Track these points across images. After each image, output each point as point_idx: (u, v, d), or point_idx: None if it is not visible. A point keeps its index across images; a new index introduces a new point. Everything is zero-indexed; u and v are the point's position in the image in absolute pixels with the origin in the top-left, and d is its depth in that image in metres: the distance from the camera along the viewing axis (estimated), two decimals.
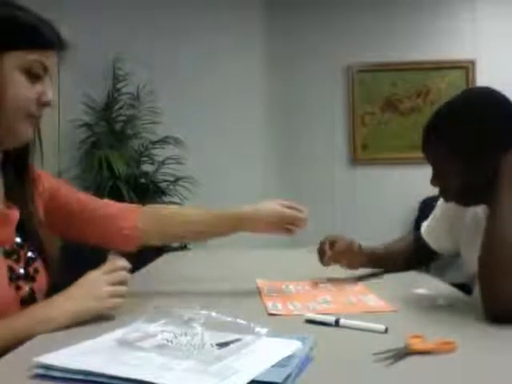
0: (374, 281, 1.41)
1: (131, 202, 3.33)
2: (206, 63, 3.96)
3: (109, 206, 1.30)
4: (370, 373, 0.77)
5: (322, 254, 1.43)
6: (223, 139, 3.95)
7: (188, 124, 3.81)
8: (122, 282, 1.04)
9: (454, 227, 1.41)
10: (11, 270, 1.02)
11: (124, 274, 1.05)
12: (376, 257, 1.51)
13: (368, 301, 1.18)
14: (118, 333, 0.86)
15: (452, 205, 1.38)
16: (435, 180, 1.25)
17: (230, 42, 4.00)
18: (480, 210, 1.29)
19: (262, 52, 4.14)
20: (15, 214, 1.05)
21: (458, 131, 1.16)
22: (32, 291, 1.05)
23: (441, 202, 1.48)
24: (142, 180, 3.68)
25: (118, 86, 3.74)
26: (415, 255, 1.52)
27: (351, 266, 1.47)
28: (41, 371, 0.74)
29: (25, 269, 1.06)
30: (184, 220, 1.32)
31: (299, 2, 4.20)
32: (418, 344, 0.84)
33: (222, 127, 3.95)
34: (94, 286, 1.01)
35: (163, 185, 3.69)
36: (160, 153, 3.72)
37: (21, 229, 1.07)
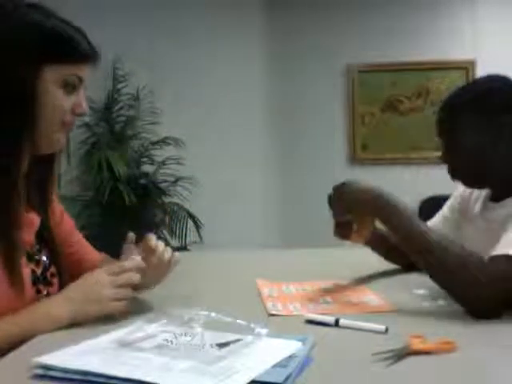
0: (374, 281, 1.41)
1: (131, 202, 3.34)
2: (205, 63, 3.96)
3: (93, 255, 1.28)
4: (370, 373, 0.77)
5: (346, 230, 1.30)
6: (223, 139, 3.95)
7: (188, 124, 3.81)
8: (128, 285, 1.00)
9: (461, 226, 1.41)
10: (33, 273, 1.04)
11: (132, 276, 1.01)
12: (385, 240, 1.44)
13: (368, 301, 1.18)
14: (118, 333, 0.86)
15: (460, 202, 1.39)
16: (445, 155, 1.27)
17: (229, 42, 4.00)
18: (488, 211, 1.30)
19: (261, 52, 4.14)
20: (36, 219, 1.07)
21: (471, 107, 1.20)
22: (48, 295, 1.06)
23: (449, 201, 1.48)
24: (142, 180, 3.68)
25: (118, 86, 3.74)
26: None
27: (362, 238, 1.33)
28: (40, 371, 0.74)
29: (43, 273, 1.07)
30: None
31: (299, 1, 4.20)
32: (418, 344, 0.84)
33: (222, 127, 3.95)
34: (94, 288, 0.98)
35: (163, 185, 3.69)
36: (160, 153, 3.72)
37: (38, 234, 1.08)
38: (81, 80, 1.02)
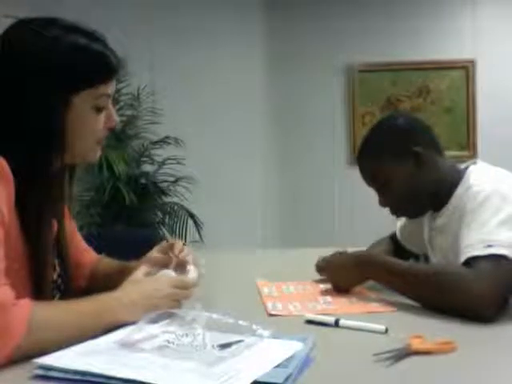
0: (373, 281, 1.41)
1: (131, 202, 3.33)
2: (206, 63, 3.96)
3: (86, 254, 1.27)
4: (370, 373, 0.78)
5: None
6: (223, 139, 3.95)
7: (188, 124, 3.81)
8: (179, 301, 1.02)
9: (420, 230, 1.46)
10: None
11: (188, 294, 1.03)
12: None
13: (368, 301, 1.18)
14: (120, 333, 0.86)
15: None
16: (382, 200, 1.35)
17: (230, 42, 4.00)
18: (433, 220, 1.37)
19: (262, 52, 4.14)
20: (55, 224, 1.06)
21: (385, 150, 1.30)
22: (59, 299, 1.06)
23: None
24: (143, 180, 3.68)
25: (118, 86, 3.73)
26: (394, 255, 1.53)
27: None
28: (40, 372, 0.74)
29: (57, 279, 1.07)
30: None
31: (299, 1, 4.20)
32: (418, 344, 0.84)
33: (222, 127, 3.95)
34: (155, 296, 0.98)
35: (163, 185, 3.69)
36: (160, 153, 3.72)
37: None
38: (109, 96, 1.01)
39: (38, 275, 0.96)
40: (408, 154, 1.28)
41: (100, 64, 0.98)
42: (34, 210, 0.95)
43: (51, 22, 0.98)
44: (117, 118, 1.05)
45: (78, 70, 0.96)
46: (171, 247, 1.19)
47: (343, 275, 1.26)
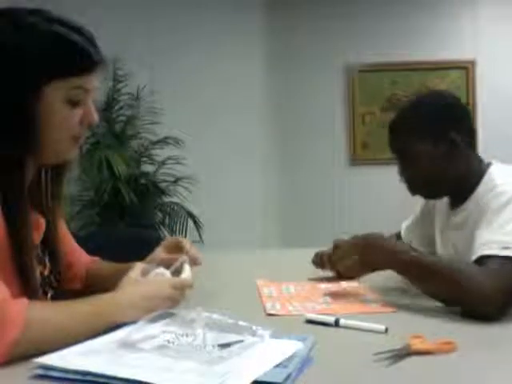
0: (373, 281, 1.41)
1: (131, 202, 3.33)
2: (206, 63, 3.96)
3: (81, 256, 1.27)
4: (370, 373, 0.77)
5: (321, 265, 1.42)
6: (223, 139, 3.95)
7: (188, 124, 3.81)
8: (178, 301, 1.02)
9: (429, 229, 1.45)
10: (41, 274, 1.04)
11: (183, 296, 1.04)
12: None
13: (368, 301, 1.19)
14: (119, 333, 0.86)
15: (428, 207, 1.43)
16: (402, 173, 1.33)
17: (230, 42, 4.00)
18: (449, 217, 1.36)
19: (261, 52, 4.14)
20: (43, 222, 1.06)
21: (421, 128, 1.27)
22: (52, 297, 1.06)
23: (421, 201, 1.52)
24: (142, 180, 3.68)
25: (118, 86, 3.73)
26: None
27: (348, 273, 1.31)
28: (40, 371, 0.74)
29: (48, 275, 1.07)
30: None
31: (299, 1, 4.20)
32: (418, 344, 0.84)
33: (222, 127, 3.95)
34: (155, 298, 0.97)
35: (163, 185, 3.69)
36: (160, 153, 3.72)
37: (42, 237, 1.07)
38: (87, 91, 0.98)
39: (22, 274, 0.95)
40: (444, 139, 1.25)
41: (74, 54, 0.95)
42: (13, 209, 0.94)
43: (31, 13, 0.95)
44: (96, 115, 1.00)
45: (49, 57, 0.92)
46: (177, 245, 1.19)
47: (351, 259, 1.23)
